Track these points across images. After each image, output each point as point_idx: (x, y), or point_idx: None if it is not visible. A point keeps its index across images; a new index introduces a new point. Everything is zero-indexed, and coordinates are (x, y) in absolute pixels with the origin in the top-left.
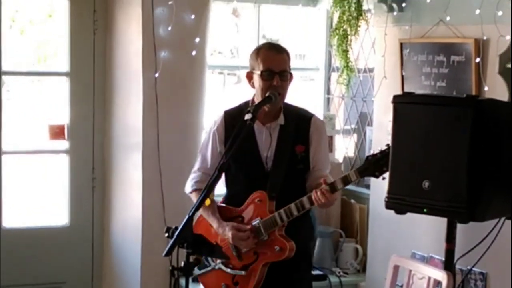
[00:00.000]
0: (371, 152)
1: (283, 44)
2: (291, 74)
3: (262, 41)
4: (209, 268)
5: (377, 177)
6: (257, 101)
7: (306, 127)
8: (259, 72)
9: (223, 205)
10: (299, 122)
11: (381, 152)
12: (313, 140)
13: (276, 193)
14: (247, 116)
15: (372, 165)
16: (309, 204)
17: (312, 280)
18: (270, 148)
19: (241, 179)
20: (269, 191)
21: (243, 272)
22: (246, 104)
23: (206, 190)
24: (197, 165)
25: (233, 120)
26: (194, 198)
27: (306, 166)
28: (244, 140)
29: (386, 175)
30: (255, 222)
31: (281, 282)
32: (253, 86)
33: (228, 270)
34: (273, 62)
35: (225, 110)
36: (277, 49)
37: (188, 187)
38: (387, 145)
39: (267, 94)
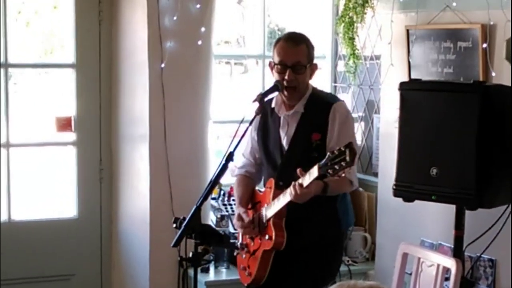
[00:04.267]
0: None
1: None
2: (311, 65)
3: (268, 30)
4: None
5: (331, 175)
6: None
7: (325, 113)
8: (274, 64)
9: (257, 189)
10: (320, 108)
11: (338, 149)
12: (330, 127)
13: (284, 182)
14: (253, 105)
15: (329, 161)
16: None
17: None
18: (287, 135)
19: (265, 164)
20: (277, 179)
21: (244, 255)
22: None
23: (214, 180)
24: (243, 150)
25: (267, 107)
26: (235, 182)
27: (320, 155)
28: (271, 128)
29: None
30: (263, 209)
31: (282, 274)
32: None
33: (242, 254)
34: (286, 55)
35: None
36: (293, 41)
37: (233, 171)
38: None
39: (273, 83)
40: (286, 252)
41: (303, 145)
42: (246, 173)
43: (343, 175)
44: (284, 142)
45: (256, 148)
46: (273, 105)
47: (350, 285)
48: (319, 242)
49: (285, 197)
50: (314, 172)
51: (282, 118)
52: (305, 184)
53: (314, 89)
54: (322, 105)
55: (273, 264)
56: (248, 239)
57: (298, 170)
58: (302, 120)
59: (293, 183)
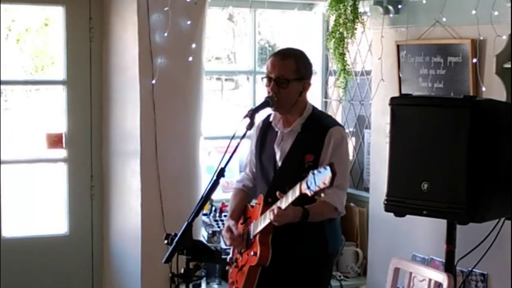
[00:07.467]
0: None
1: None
2: (300, 81)
3: (258, 46)
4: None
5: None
6: None
7: (321, 136)
8: (262, 78)
9: (250, 204)
10: (317, 131)
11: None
12: (324, 150)
13: (272, 199)
14: (244, 121)
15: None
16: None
17: None
18: (281, 151)
19: (259, 177)
20: (266, 196)
21: (232, 270)
22: None
23: (205, 196)
24: (243, 163)
25: (268, 122)
26: (231, 195)
27: None
28: (267, 142)
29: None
30: (251, 224)
31: None
32: None
33: (230, 269)
34: (272, 68)
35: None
36: (281, 55)
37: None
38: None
39: (264, 99)
40: (273, 268)
41: (295, 164)
42: (243, 187)
43: (322, 195)
44: (278, 157)
45: (254, 162)
46: (270, 119)
47: None
48: (306, 260)
49: (267, 217)
50: (296, 191)
51: (278, 133)
52: (283, 207)
53: (315, 109)
54: (319, 128)
55: (260, 281)
56: (237, 254)
57: (277, 193)
58: (297, 139)
59: (273, 205)
